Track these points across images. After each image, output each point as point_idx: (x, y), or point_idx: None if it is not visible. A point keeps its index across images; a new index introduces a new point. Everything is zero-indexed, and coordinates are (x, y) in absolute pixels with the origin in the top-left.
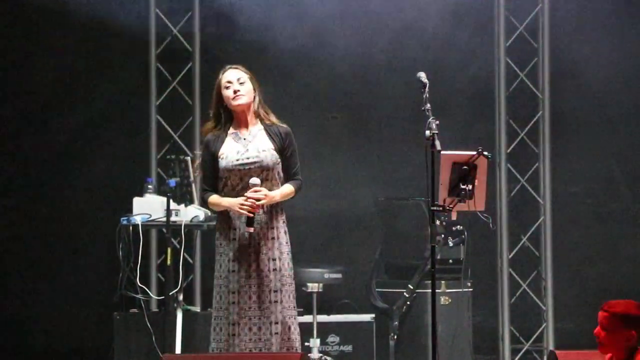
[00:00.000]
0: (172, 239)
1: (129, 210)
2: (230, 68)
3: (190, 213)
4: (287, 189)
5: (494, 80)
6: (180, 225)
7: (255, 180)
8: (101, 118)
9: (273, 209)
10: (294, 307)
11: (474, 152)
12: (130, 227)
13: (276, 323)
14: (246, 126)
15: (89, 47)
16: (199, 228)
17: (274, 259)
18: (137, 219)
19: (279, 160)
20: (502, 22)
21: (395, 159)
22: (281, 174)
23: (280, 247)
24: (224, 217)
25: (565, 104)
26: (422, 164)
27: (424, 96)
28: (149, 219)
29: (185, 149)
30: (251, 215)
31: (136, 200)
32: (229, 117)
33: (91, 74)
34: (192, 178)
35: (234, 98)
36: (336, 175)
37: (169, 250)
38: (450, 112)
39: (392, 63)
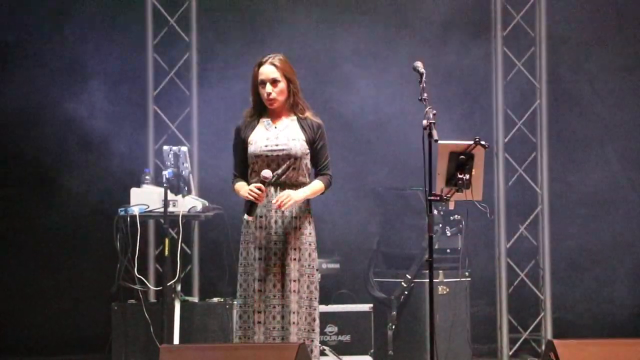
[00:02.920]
0: (170, 230)
1: (126, 201)
2: (266, 63)
3: (188, 203)
4: (317, 185)
5: (491, 70)
6: (178, 215)
7: (266, 172)
8: (98, 109)
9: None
10: (314, 298)
11: (472, 142)
12: (128, 218)
13: (294, 313)
14: (279, 117)
15: (86, 38)
16: (197, 218)
17: (295, 249)
18: (135, 210)
19: (308, 151)
20: (500, 11)
21: (393, 148)
22: (309, 166)
23: (301, 238)
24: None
25: (563, 93)
26: (420, 153)
27: (421, 86)
28: (147, 210)
29: (183, 139)
30: (256, 202)
31: (134, 191)
32: (264, 107)
33: (88, 64)
34: (189, 168)
35: (266, 101)
36: (333, 166)
37: (166, 240)
38: (447, 102)
39: (389, 53)
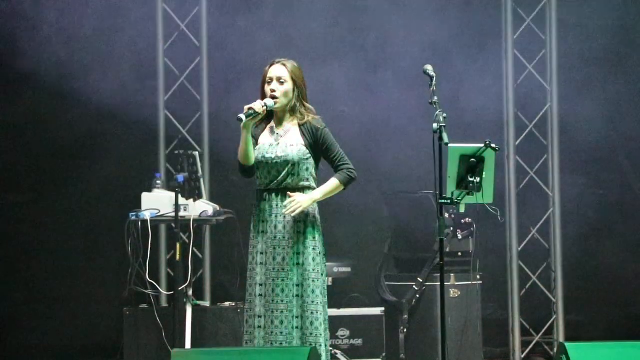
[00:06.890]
0: (181, 234)
1: (137, 205)
2: (276, 63)
3: (199, 208)
4: (331, 183)
5: (502, 72)
6: (189, 220)
7: (269, 101)
8: (110, 113)
9: None
10: (320, 303)
11: (482, 145)
12: (139, 223)
13: (297, 317)
14: (281, 122)
15: (98, 43)
16: (208, 223)
17: (298, 253)
18: (146, 215)
19: (308, 156)
20: (510, 14)
21: (403, 152)
22: (310, 170)
23: (305, 242)
24: (256, 210)
25: (574, 95)
26: (430, 157)
27: (432, 89)
28: (158, 214)
29: (194, 144)
30: (251, 110)
31: (145, 196)
32: (271, 111)
33: (99, 69)
34: (200, 173)
35: (270, 98)
36: None
37: (178, 245)
38: (458, 105)
39: (399, 56)
